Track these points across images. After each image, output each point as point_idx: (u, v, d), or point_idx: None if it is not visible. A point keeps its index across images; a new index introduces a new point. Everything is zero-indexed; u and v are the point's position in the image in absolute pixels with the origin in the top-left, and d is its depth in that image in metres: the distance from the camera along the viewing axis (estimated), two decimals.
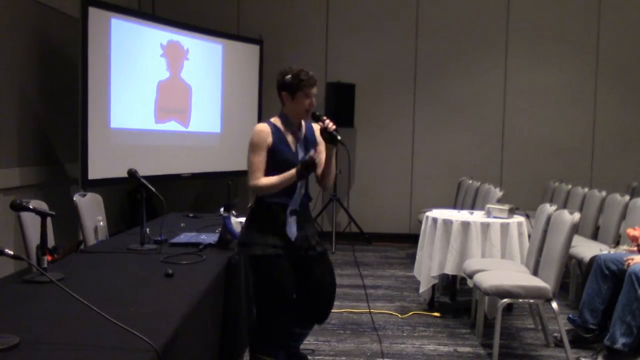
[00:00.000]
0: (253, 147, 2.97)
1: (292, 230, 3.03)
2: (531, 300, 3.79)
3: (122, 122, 5.83)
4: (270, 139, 2.97)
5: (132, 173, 3.22)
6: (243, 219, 3.15)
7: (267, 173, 2.96)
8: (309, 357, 3.65)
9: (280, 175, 2.93)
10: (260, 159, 2.94)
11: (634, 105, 7.74)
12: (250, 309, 3.39)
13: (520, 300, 3.76)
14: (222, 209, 3.18)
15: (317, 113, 3.00)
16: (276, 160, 2.97)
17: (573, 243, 3.77)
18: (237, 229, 3.10)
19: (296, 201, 3.04)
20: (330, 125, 2.92)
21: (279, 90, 3.02)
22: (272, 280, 2.97)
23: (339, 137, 2.92)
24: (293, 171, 2.91)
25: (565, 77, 7.80)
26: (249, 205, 3.04)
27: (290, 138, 3.03)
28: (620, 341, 3.45)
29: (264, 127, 3.00)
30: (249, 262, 2.98)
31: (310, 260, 3.11)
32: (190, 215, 4.46)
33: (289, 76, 2.97)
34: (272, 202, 2.99)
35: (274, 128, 3.00)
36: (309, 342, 3.90)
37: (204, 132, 6.95)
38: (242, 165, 7.39)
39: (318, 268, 3.16)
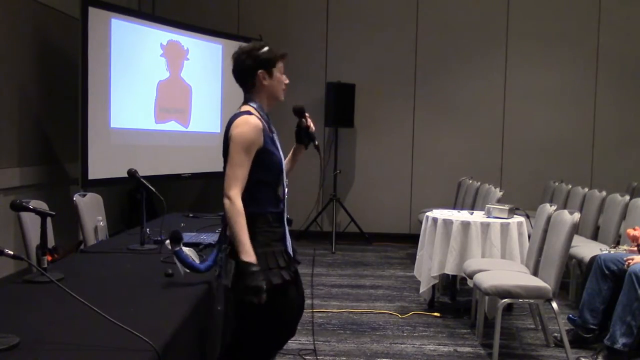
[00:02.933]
0: (246, 145, 2.32)
1: (290, 243, 2.48)
2: (531, 300, 3.79)
3: (122, 122, 5.83)
4: (261, 139, 2.37)
5: (132, 173, 3.21)
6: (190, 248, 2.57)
7: (253, 179, 2.35)
8: (306, 358, 3.65)
9: (245, 233, 2.28)
10: (248, 165, 2.33)
11: (633, 105, 7.74)
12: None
13: (520, 300, 3.76)
14: (167, 244, 2.47)
15: (300, 106, 2.57)
16: (265, 165, 2.39)
17: (573, 243, 3.77)
18: (196, 259, 2.52)
19: (286, 206, 2.50)
20: (312, 125, 2.59)
21: (253, 70, 2.44)
22: (294, 308, 2.50)
23: (316, 142, 2.59)
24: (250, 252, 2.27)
25: (565, 77, 7.81)
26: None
27: (273, 134, 2.49)
28: (621, 341, 3.45)
29: (258, 123, 2.37)
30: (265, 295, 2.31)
31: (296, 274, 2.58)
32: (190, 215, 4.45)
33: (265, 50, 2.47)
34: (271, 212, 2.43)
35: (262, 124, 2.40)
36: (309, 342, 3.90)
37: (204, 132, 6.95)
38: None
39: (300, 281, 2.62)
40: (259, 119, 2.40)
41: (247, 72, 2.46)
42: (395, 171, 7.89)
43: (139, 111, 6.07)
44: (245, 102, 2.49)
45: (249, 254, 2.26)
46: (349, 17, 7.83)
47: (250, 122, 2.36)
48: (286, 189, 2.50)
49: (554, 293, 3.59)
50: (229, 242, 2.37)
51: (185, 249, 2.47)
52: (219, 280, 2.40)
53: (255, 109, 2.45)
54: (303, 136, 2.60)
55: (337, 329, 4.22)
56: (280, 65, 2.50)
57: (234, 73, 2.52)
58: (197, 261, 2.50)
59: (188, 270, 2.45)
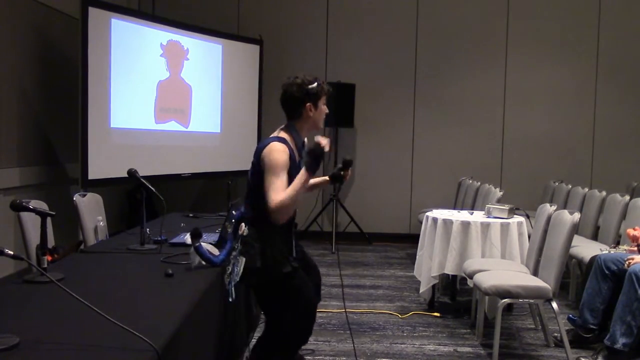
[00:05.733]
0: (278, 168, 2.67)
1: (294, 244, 2.94)
2: (531, 300, 3.79)
3: (122, 122, 5.83)
4: (289, 163, 2.73)
5: (132, 173, 3.21)
6: (208, 242, 2.85)
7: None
8: (306, 358, 3.65)
9: (293, 184, 2.66)
10: (285, 180, 2.67)
11: (634, 105, 7.74)
12: (250, 309, 3.39)
13: (520, 300, 3.76)
14: (186, 238, 2.83)
15: (351, 159, 2.85)
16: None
17: (573, 243, 3.77)
18: (215, 252, 2.80)
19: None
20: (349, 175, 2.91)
21: (302, 101, 2.79)
22: (304, 292, 2.88)
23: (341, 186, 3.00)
24: (302, 173, 2.66)
25: (565, 77, 7.81)
26: (243, 231, 2.74)
27: (297, 157, 2.85)
28: (621, 341, 3.45)
29: (285, 149, 2.73)
30: (275, 282, 2.77)
31: (303, 260, 3.03)
32: (190, 215, 4.46)
33: (314, 85, 2.79)
34: None
35: (289, 148, 2.77)
36: (308, 342, 3.89)
37: (204, 132, 6.95)
38: (242, 165, 7.38)
39: (309, 258, 3.15)
40: (286, 144, 2.75)
41: (295, 103, 2.79)
42: (395, 171, 7.89)
43: (139, 111, 6.07)
44: (285, 128, 2.85)
45: (304, 178, 2.64)
46: (349, 17, 7.83)
47: (279, 148, 2.71)
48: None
49: (554, 293, 3.59)
50: (240, 242, 2.72)
51: (204, 244, 2.74)
52: (231, 276, 2.70)
53: (287, 132, 2.82)
54: (337, 180, 2.88)
55: (337, 329, 4.22)
56: (326, 97, 2.86)
57: (282, 101, 2.83)
58: (216, 254, 2.78)
59: (204, 263, 2.72)
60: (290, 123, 2.85)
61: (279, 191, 2.63)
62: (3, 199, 4.86)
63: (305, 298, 2.87)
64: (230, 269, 2.71)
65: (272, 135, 2.82)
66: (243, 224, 2.74)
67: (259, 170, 2.73)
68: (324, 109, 2.87)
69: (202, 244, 2.72)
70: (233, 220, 2.82)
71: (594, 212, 5.41)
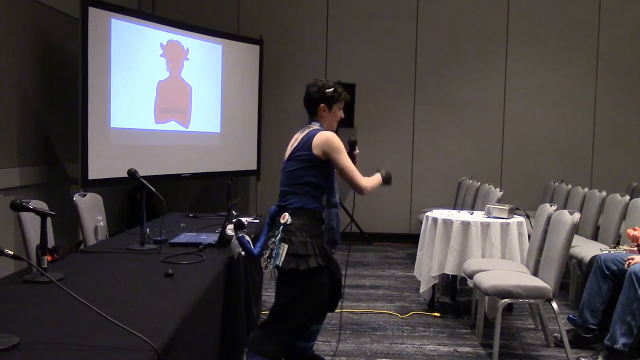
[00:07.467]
0: (341, 149, 2.95)
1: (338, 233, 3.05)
2: (531, 300, 3.79)
3: (122, 122, 5.83)
4: None
5: (132, 173, 3.21)
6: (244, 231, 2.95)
7: (314, 182, 2.93)
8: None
9: (373, 182, 3.10)
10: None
11: (634, 105, 7.75)
12: (250, 309, 3.39)
13: (520, 300, 3.76)
14: (229, 229, 2.93)
15: (354, 139, 3.29)
16: (328, 171, 2.98)
17: (573, 243, 3.77)
18: (252, 244, 2.95)
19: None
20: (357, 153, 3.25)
21: (317, 102, 3.04)
22: (321, 292, 2.96)
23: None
24: (379, 180, 3.14)
25: (565, 77, 7.81)
26: (286, 219, 2.88)
27: None
28: (621, 341, 3.45)
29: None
30: (299, 274, 2.83)
31: (330, 259, 3.13)
32: (190, 215, 4.45)
33: (330, 89, 3.05)
34: (319, 211, 2.98)
35: None
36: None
37: (204, 132, 6.95)
38: (242, 165, 7.40)
39: (334, 259, 3.21)
40: None
41: (312, 102, 3.06)
42: (395, 171, 7.80)
43: (139, 111, 6.07)
44: (313, 124, 3.05)
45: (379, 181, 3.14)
46: (349, 17, 7.83)
47: (334, 135, 2.96)
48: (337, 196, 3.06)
49: (554, 293, 3.59)
50: (281, 230, 2.88)
51: (246, 236, 2.89)
52: (268, 260, 2.92)
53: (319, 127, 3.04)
54: (388, 183, 3.26)
55: (337, 329, 4.22)
56: (342, 103, 3.12)
57: (304, 99, 3.10)
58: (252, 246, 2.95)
59: (243, 253, 2.90)
60: (312, 119, 3.06)
61: (362, 177, 2.99)
62: (3, 199, 4.86)
63: (317, 300, 2.94)
64: (267, 254, 2.92)
65: (310, 129, 2.98)
66: (286, 214, 2.89)
67: (310, 159, 2.90)
68: (338, 113, 3.10)
69: (244, 235, 2.86)
70: (270, 214, 3.01)
71: (594, 212, 5.41)
